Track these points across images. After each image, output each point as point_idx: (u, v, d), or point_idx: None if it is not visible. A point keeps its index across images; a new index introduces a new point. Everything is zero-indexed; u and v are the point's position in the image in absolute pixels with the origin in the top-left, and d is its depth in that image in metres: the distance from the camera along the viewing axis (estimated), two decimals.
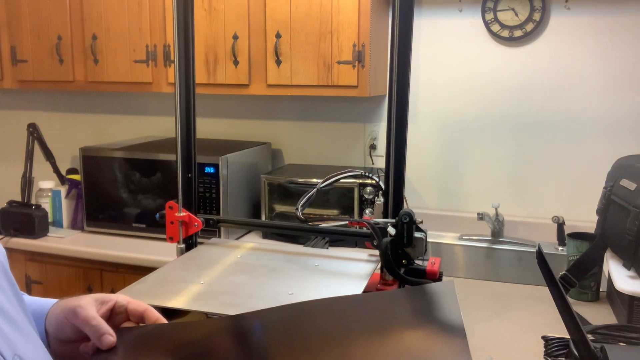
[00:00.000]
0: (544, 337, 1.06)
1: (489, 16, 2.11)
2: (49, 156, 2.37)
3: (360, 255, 1.33)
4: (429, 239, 1.25)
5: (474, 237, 2.15)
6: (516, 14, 2.08)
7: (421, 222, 1.19)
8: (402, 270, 1.19)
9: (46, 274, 2.19)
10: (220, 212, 2.07)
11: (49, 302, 0.79)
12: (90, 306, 0.75)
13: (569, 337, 0.84)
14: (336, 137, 2.40)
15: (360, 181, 2.03)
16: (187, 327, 0.81)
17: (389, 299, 0.85)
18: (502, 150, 2.19)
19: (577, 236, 1.52)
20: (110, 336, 0.72)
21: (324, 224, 1.34)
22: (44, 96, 2.80)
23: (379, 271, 1.23)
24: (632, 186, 1.35)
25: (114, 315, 0.78)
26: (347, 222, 1.33)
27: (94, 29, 2.25)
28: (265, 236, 2.13)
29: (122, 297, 0.79)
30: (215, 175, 2.05)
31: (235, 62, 2.10)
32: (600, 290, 1.50)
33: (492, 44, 2.15)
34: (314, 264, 1.27)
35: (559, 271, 1.48)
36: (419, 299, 0.83)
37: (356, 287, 1.13)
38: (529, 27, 2.07)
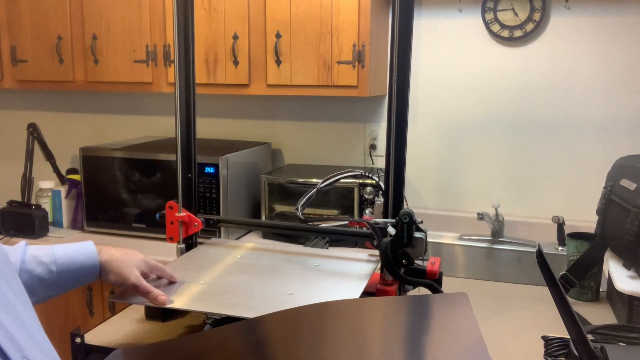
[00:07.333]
0: (544, 337, 1.06)
1: (489, 16, 2.11)
2: (49, 156, 2.37)
3: (360, 255, 1.33)
4: (429, 239, 1.25)
5: (474, 237, 2.15)
6: (516, 14, 2.08)
7: (421, 222, 1.19)
8: (402, 270, 1.19)
9: None
10: (220, 212, 2.07)
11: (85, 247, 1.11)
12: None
13: (569, 337, 0.84)
14: (336, 137, 2.40)
15: (360, 181, 2.03)
16: (194, 340, 0.82)
17: (402, 306, 0.84)
18: (502, 150, 2.19)
19: (577, 236, 1.51)
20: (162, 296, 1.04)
21: (324, 224, 1.34)
22: (44, 96, 2.80)
23: (379, 271, 1.23)
24: (632, 186, 1.35)
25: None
26: (347, 222, 1.33)
27: (94, 29, 2.25)
28: (265, 236, 2.13)
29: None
30: (215, 175, 2.05)
31: (235, 62, 2.10)
32: (600, 290, 1.50)
33: (492, 44, 2.15)
34: (314, 264, 1.27)
35: (559, 271, 1.48)
36: (432, 308, 0.82)
37: (356, 287, 1.13)
38: (529, 27, 2.07)
